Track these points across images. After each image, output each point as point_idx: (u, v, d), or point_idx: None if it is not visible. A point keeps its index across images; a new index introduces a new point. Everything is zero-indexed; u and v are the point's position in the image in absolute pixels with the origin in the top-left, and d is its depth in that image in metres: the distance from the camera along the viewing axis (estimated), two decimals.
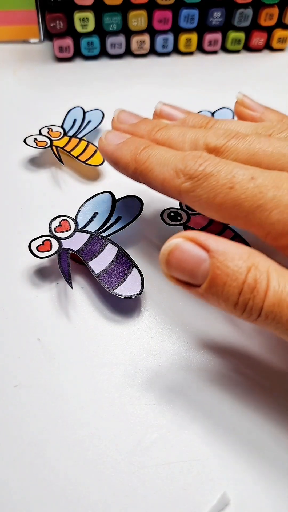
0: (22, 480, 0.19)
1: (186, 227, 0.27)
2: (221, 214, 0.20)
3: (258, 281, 0.17)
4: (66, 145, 0.33)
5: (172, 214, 0.27)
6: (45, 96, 0.41)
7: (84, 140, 0.33)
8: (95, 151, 0.32)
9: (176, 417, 0.21)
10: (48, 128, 0.34)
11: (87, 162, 0.31)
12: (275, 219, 0.19)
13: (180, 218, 0.27)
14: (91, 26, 0.43)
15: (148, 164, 0.22)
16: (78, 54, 0.46)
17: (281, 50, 0.48)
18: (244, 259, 0.17)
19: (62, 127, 0.35)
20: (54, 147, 0.32)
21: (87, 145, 0.33)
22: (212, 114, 0.36)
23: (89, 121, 0.35)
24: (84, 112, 0.36)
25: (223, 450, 0.20)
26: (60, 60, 0.45)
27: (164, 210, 0.27)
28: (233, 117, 0.35)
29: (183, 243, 0.18)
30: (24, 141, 0.32)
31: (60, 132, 0.34)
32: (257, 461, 0.19)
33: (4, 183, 0.32)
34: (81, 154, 0.32)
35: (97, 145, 0.34)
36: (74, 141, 0.33)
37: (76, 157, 0.32)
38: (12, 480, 0.19)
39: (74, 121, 0.35)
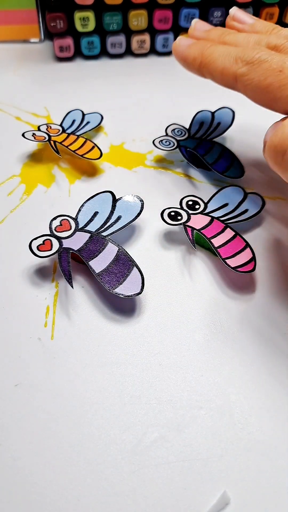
0: (22, 480, 0.19)
1: (186, 227, 0.27)
2: (267, 96, 0.23)
3: None
4: (64, 140, 0.33)
5: (172, 213, 0.27)
6: (45, 95, 0.40)
7: (82, 137, 0.33)
8: (93, 147, 0.32)
9: (176, 416, 0.21)
10: (47, 126, 0.34)
11: (84, 156, 0.31)
12: None
13: (180, 217, 0.27)
14: (91, 26, 0.43)
15: (212, 56, 0.26)
16: (78, 53, 0.46)
17: None
18: None
19: (61, 125, 0.35)
20: (52, 142, 0.32)
21: (84, 141, 0.33)
22: (212, 114, 0.36)
23: (88, 122, 0.35)
24: (84, 114, 0.36)
25: (223, 450, 0.20)
26: (61, 59, 0.45)
27: (164, 210, 0.27)
28: (233, 117, 0.35)
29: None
30: (23, 135, 0.32)
31: (59, 130, 0.34)
32: (257, 461, 0.19)
33: (4, 183, 0.32)
34: (78, 149, 0.32)
35: (94, 141, 0.34)
36: (72, 137, 0.33)
37: (74, 151, 0.32)
38: (12, 479, 0.19)
39: (73, 121, 0.35)
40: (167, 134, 0.34)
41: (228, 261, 0.25)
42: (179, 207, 0.28)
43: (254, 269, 0.25)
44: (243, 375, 0.22)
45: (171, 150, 0.32)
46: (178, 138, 0.33)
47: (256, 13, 0.44)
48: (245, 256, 0.25)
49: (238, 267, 0.25)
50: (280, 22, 0.46)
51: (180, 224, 0.27)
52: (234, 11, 0.31)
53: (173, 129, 0.34)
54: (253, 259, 0.25)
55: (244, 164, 0.33)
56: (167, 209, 0.28)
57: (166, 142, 0.33)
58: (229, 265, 0.25)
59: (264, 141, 0.23)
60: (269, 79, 0.22)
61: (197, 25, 0.31)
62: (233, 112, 0.35)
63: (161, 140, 0.33)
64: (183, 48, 0.28)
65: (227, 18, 0.31)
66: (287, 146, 0.20)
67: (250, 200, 0.29)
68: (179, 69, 0.45)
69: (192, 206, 0.28)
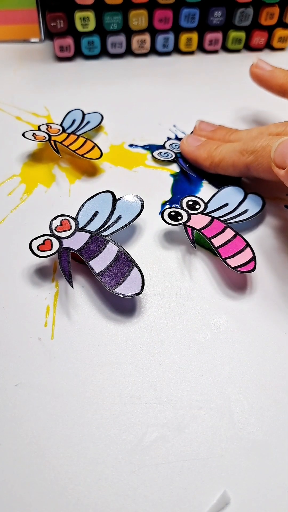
0: (22, 480, 0.19)
1: (186, 226, 0.27)
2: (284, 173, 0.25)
3: None
4: (64, 140, 0.33)
5: (172, 213, 0.27)
6: (45, 95, 0.40)
7: (82, 137, 0.33)
8: (93, 147, 0.32)
9: (176, 416, 0.21)
10: (47, 125, 0.34)
11: (85, 156, 0.31)
12: None
13: (180, 217, 0.27)
14: (91, 26, 0.43)
15: (220, 156, 0.30)
16: (78, 53, 0.46)
17: (281, 49, 0.48)
18: None
19: (61, 125, 0.35)
20: (52, 141, 0.32)
21: (85, 141, 0.33)
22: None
23: (88, 122, 0.35)
24: (84, 114, 0.36)
25: (223, 450, 0.20)
26: (61, 59, 0.45)
27: (164, 210, 0.27)
28: None
29: None
30: (23, 135, 0.32)
31: (59, 129, 0.34)
32: (257, 460, 0.19)
33: (4, 183, 0.32)
34: (79, 148, 0.32)
35: (95, 141, 0.34)
36: (72, 137, 0.33)
37: (74, 151, 0.32)
38: (12, 479, 0.19)
39: (73, 121, 0.35)
40: (165, 148, 0.35)
41: (228, 261, 0.25)
42: (180, 207, 0.28)
43: (254, 269, 0.25)
44: (243, 375, 0.22)
45: (170, 161, 0.34)
46: (175, 151, 0.35)
47: (256, 13, 0.44)
48: (245, 256, 0.25)
49: (238, 267, 0.25)
50: (280, 22, 0.46)
51: (180, 224, 0.27)
52: (197, 123, 0.35)
53: (171, 144, 0.36)
54: (253, 258, 0.25)
55: None
56: (167, 209, 0.28)
57: (164, 154, 0.34)
58: (229, 265, 0.25)
59: (277, 161, 0.25)
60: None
61: (201, 125, 0.34)
62: None
63: (160, 152, 0.34)
64: (192, 149, 0.32)
65: (192, 131, 0.35)
66: None
67: (250, 200, 0.29)
68: (179, 69, 0.45)
69: (192, 206, 0.28)
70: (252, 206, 0.29)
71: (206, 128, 0.34)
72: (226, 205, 0.29)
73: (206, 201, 0.29)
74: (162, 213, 0.27)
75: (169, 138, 0.36)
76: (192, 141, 0.32)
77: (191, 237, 0.26)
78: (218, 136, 0.33)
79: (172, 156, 0.34)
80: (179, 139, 0.36)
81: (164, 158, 0.34)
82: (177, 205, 0.28)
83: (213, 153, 0.30)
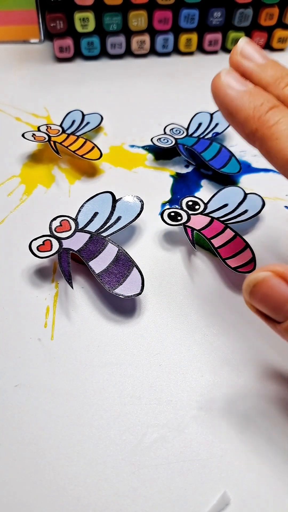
0: (22, 480, 0.19)
1: (186, 227, 0.27)
2: None
3: None
4: (64, 140, 0.33)
5: (172, 214, 0.27)
6: (45, 96, 0.40)
7: (82, 137, 0.33)
8: (93, 147, 0.32)
9: (176, 417, 0.21)
10: (47, 126, 0.34)
11: (84, 156, 0.31)
12: None
13: (180, 218, 0.27)
14: (91, 26, 0.43)
15: (275, 130, 0.19)
16: (78, 54, 0.46)
17: (281, 50, 0.48)
18: None
19: (61, 126, 0.35)
20: (52, 142, 0.32)
21: (84, 142, 0.33)
22: (211, 115, 0.36)
23: (88, 123, 0.35)
24: (83, 115, 0.36)
25: (223, 450, 0.20)
26: (60, 60, 0.45)
27: (164, 210, 0.27)
28: None
29: (271, 278, 0.17)
30: (23, 135, 0.32)
31: (59, 130, 0.34)
32: (257, 461, 0.19)
33: (4, 183, 0.32)
34: (78, 149, 0.32)
35: (94, 142, 0.34)
36: (72, 137, 0.33)
37: (74, 152, 0.32)
38: (12, 479, 0.19)
39: (73, 121, 0.35)
40: (165, 133, 0.34)
41: (228, 261, 0.25)
42: (179, 207, 0.28)
43: (254, 269, 0.25)
44: (243, 375, 0.22)
45: (169, 147, 0.33)
46: (176, 137, 0.34)
47: (256, 13, 0.44)
48: (245, 256, 0.25)
49: (238, 268, 0.25)
50: (280, 23, 0.46)
51: (180, 224, 0.27)
52: (242, 44, 0.23)
53: (172, 129, 0.35)
54: (253, 259, 0.25)
55: (244, 164, 0.33)
56: (167, 210, 0.28)
57: (164, 140, 0.33)
58: (229, 266, 0.25)
59: (266, 311, 0.18)
60: None
61: (246, 49, 0.22)
62: None
63: (159, 138, 0.33)
64: (231, 94, 0.21)
65: (231, 53, 0.23)
66: None
67: (250, 201, 0.29)
68: (178, 70, 0.45)
69: (192, 206, 0.28)
70: (251, 206, 0.29)
71: (253, 57, 0.22)
72: (226, 205, 0.29)
73: (206, 202, 0.29)
74: (161, 214, 0.27)
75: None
76: (233, 81, 0.21)
77: (191, 238, 0.26)
78: (269, 78, 0.21)
79: (172, 142, 0.33)
80: (181, 125, 0.35)
81: (164, 144, 0.33)
82: (177, 206, 0.28)
83: (264, 117, 0.20)
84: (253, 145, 0.21)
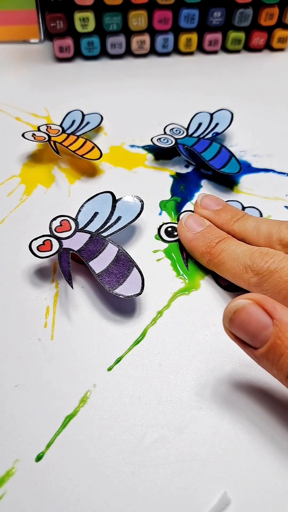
0: (22, 480, 0.19)
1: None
2: (281, 297, 0.22)
3: None
4: (64, 140, 0.33)
5: (169, 229, 0.27)
6: (45, 96, 0.40)
7: (82, 137, 0.33)
8: (93, 147, 0.32)
9: (176, 417, 0.21)
10: (47, 126, 0.34)
11: (84, 156, 0.31)
12: None
13: (176, 233, 0.27)
14: (91, 26, 0.43)
15: (221, 258, 0.25)
16: (78, 54, 0.46)
17: (281, 50, 0.48)
18: None
19: (61, 126, 0.35)
20: (52, 142, 0.32)
21: (84, 142, 0.33)
22: (211, 115, 0.36)
23: (88, 123, 0.35)
24: (83, 115, 0.36)
25: (223, 450, 0.20)
26: (60, 60, 0.45)
27: (161, 226, 0.27)
28: (232, 118, 0.35)
29: (250, 306, 0.19)
30: (23, 135, 0.32)
31: (59, 130, 0.34)
32: (257, 461, 0.19)
33: (4, 183, 0.32)
34: (78, 149, 0.32)
35: (94, 142, 0.34)
36: (72, 137, 0.33)
37: (74, 151, 0.32)
38: (12, 480, 0.19)
39: (73, 121, 0.35)
40: (165, 133, 0.34)
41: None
42: (176, 222, 0.28)
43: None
44: (243, 375, 0.22)
45: (169, 147, 0.33)
46: (176, 137, 0.34)
47: (256, 13, 0.44)
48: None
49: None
50: (280, 23, 0.46)
51: (177, 240, 0.27)
52: (200, 198, 0.29)
53: (172, 128, 0.35)
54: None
55: (244, 164, 0.33)
56: (164, 225, 0.28)
57: (164, 140, 0.33)
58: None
59: (243, 338, 0.19)
60: (284, 291, 0.22)
61: (204, 201, 0.28)
62: (232, 114, 0.35)
63: (159, 138, 0.33)
64: (189, 237, 0.27)
65: (194, 205, 0.29)
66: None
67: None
68: (178, 70, 0.45)
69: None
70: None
71: (210, 206, 0.28)
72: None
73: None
74: (159, 230, 0.27)
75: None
76: (192, 225, 0.27)
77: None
78: (222, 219, 0.27)
79: (172, 142, 0.33)
80: (180, 125, 0.35)
81: (164, 144, 0.33)
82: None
83: (213, 250, 0.25)
84: (211, 269, 0.26)
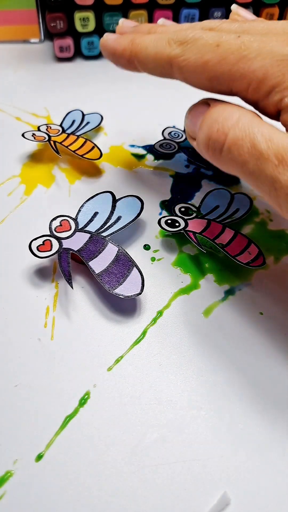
0: (22, 480, 0.19)
1: (188, 232, 0.27)
2: (207, 74, 0.21)
3: (227, 118, 0.19)
4: (64, 140, 0.33)
5: (169, 221, 0.27)
6: (45, 95, 0.40)
7: (82, 137, 0.33)
8: (93, 147, 0.32)
9: (176, 417, 0.21)
10: (47, 126, 0.34)
11: (84, 156, 0.31)
12: (257, 66, 0.19)
13: (178, 224, 0.27)
14: (91, 26, 0.43)
15: (143, 43, 0.24)
16: (78, 54, 0.46)
17: None
18: (229, 109, 0.20)
19: (61, 125, 0.35)
20: (52, 142, 0.32)
21: (84, 142, 0.33)
22: None
23: (88, 122, 0.35)
24: (83, 115, 0.36)
25: (223, 450, 0.20)
26: (61, 60, 0.45)
27: (160, 219, 0.27)
28: None
29: (198, 103, 0.22)
30: (23, 135, 0.32)
31: (59, 130, 0.34)
32: (257, 461, 0.19)
33: (4, 183, 0.32)
34: (78, 149, 0.32)
35: (94, 142, 0.34)
36: (72, 137, 0.33)
37: (74, 151, 0.32)
38: (12, 479, 0.19)
39: (73, 121, 0.35)
40: (165, 138, 0.34)
41: (238, 258, 0.25)
42: (174, 214, 0.28)
43: (264, 262, 0.25)
44: (243, 375, 0.22)
45: (173, 153, 0.33)
46: (177, 141, 0.34)
47: (256, 13, 0.44)
48: (252, 251, 0.26)
49: (250, 263, 0.25)
50: None
51: (180, 230, 0.27)
52: (235, 8, 0.28)
53: (170, 132, 0.35)
54: (261, 253, 0.25)
55: None
56: (163, 218, 0.28)
57: (166, 145, 0.33)
58: (241, 262, 0.25)
59: (189, 131, 0.22)
60: (207, 55, 0.21)
61: (125, 23, 0.29)
62: None
63: (161, 144, 0.33)
64: (111, 42, 0.26)
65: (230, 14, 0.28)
66: (222, 141, 0.19)
67: (238, 200, 0.29)
68: None
69: (186, 212, 0.28)
70: (241, 205, 0.29)
71: (128, 25, 0.28)
72: (217, 207, 0.29)
73: (197, 206, 0.29)
74: (159, 222, 0.27)
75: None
76: (113, 36, 0.26)
77: (195, 240, 0.26)
78: (142, 29, 0.27)
79: (175, 147, 0.33)
80: (178, 129, 0.35)
81: (167, 150, 0.33)
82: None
83: (135, 41, 0.24)
84: (135, 71, 0.26)
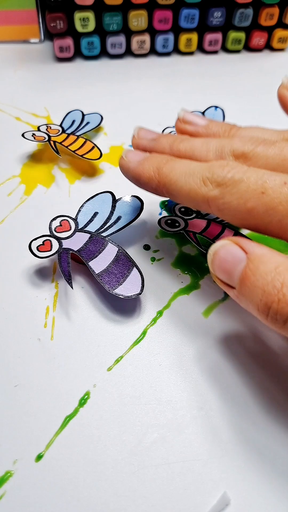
0: (22, 480, 0.19)
1: (188, 232, 0.27)
2: (252, 221, 0.19)
3: (285, 285, 0.16)
4: (64, 140, 0.33)
5: (169, 221, 0.27)
6: (45, 96, 0.40)
7: (82, 137, 0.33)
8: (93, 147, 0.32)
9: (176, 417, 0.21)
10: (47, 126, 0.34)
11: (84, 156, 0.31)
12: None
13: (178, 224, 0.27)
14: (91, 26, 0.43)
15: (172, 176, 0.22)
16: (78, 54, 0.46)
17: (281, 50, 0.48)
18: (278, 263, 0.17)
19: (60, 126, 0.35)
20: (51, 142, 0.32)
21: (84, 142, 0.33)
22: (202, 113, 0.36)
23: (88, 123, 0.35)
24: (83, 115, 0.36)
25: (223, 450, 0.20)
26: (60, 60, 0.46)
27: (160, 219, 0.27)
28: (224, 116, 0.35)
29: (227, 244, 0.19)
30: (23, 135, 0.32)
31: (59, 130, 0.34)
32: (257, 461, 0.19)
33: (4, 183, 0.32)
34: (78, 149, 0.32)
35: (94, 142, 0.34)
36: (72, 137, 0.33)
37: (74, 152, 0.32)
38: (11, 480, 0.19)
39: (73, 121, 0.35)
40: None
41: None
42: (174, 214, 0.28)
43: None
44: (244, 375, 0.22)
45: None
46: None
47: (256, 13, 0.44)
48: None
49: None
50: (280, 23, 0.46)
51: (180, 230, 0.27)
52: (183, 113, 0.26)
53: (170, 132, 0.34)
54: None
55: None
56: (163, 218, 0.27)
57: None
58: None
59: (221, 278, 0.19)
60: (251, 202, 0.19)
61: (141, 133, 0.26)
62: (223, 111, 0.35)
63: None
64: (133, 165, 0.24)
65: (176, 122, 0.27)
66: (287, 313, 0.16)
67: None
68: (178, 70, 0.45)
69: (186, 212, 0.28)
70: None
71: (146, 136, 0.26)
72: None
73: None
74: (159, 222, 0.27)
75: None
76: (134, 156, 0.24)
77: (195, 240, 0.26)
78: (163, 145, 0.24)
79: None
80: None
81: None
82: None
83: (162, 170, 0.22)
84: (163, 196, 0.23)
